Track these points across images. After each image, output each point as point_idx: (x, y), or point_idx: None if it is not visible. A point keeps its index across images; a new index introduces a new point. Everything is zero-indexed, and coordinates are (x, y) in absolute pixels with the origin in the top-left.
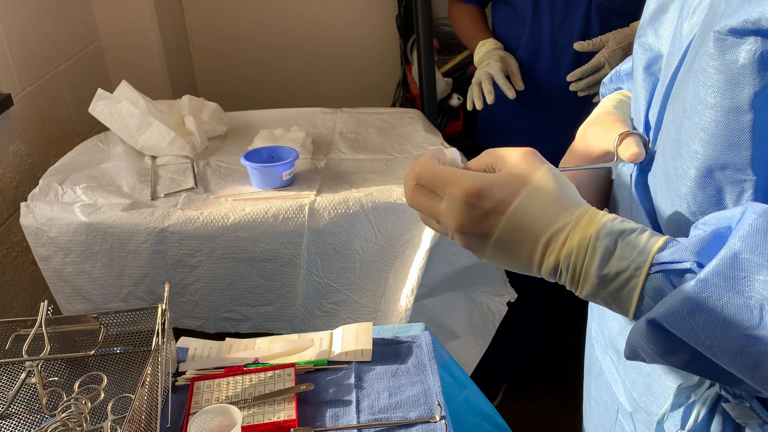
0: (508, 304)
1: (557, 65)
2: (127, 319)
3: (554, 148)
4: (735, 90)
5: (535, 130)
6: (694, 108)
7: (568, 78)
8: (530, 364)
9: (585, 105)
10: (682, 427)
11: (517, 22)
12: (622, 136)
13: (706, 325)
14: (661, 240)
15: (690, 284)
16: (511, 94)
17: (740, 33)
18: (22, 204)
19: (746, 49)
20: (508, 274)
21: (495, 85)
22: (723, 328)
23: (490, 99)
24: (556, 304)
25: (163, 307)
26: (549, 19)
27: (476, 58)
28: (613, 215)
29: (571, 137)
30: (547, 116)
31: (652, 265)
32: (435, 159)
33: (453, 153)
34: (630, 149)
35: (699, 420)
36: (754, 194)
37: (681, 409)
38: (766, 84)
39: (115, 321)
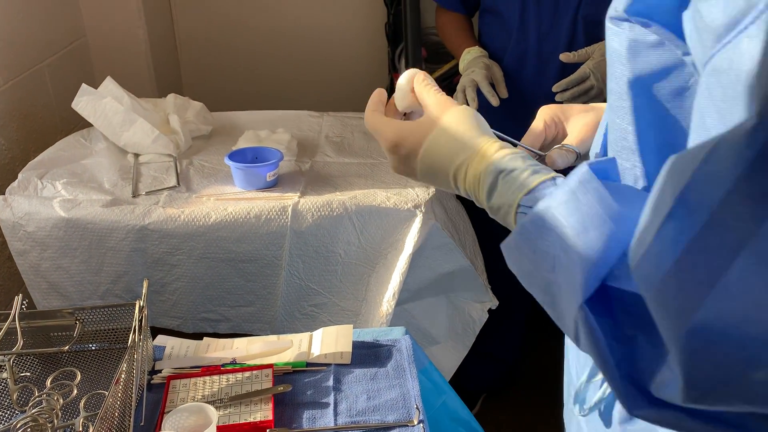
0: (489, 311)
1: (543, 74)
2: (103, 316)
3: None
4: (616, 74)
5: (519, 137)
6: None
7: (554, 89)
8: (508, 372)
9: None
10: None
11: (503, 31)
12: (559, 149)
13: (527, 259)
14: (536, 181)
15: (517, 225)
16: (494, 101)
17: (617, 20)
18: (0, 197)
19: (623, 36)
20: (490, 281)
21: (479, 93)
22: (534, 265)
23: (473, 107)
24: (536, 312)
25: (141, 304)
26: (535, 29)
27: (461, 66)
28: (508, 150)
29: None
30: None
31: (519, 205)
32: (382, 95)
33: (401, 80)
34: (554, 162)
35: (607, 392)
36: (646, 182)
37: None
38: (638, 74)
39: (91, 317)
